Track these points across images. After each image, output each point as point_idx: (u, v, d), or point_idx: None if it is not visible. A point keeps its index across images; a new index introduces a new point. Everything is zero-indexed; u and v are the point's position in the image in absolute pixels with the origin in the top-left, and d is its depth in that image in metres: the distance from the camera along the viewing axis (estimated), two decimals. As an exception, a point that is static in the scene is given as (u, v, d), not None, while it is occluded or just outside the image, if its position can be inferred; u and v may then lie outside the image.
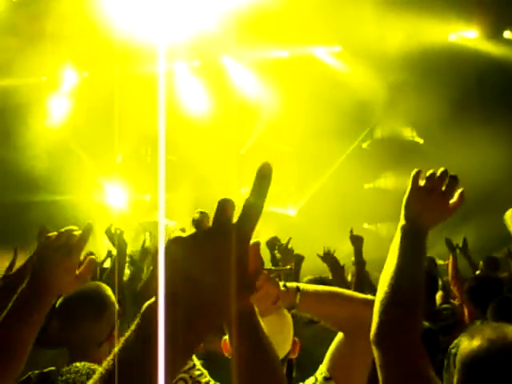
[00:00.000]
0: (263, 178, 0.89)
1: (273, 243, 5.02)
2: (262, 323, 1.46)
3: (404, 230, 1.64)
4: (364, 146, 14.78)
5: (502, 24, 12.61)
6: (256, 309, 1.27)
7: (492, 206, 11.71)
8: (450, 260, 5.44)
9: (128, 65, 11.36)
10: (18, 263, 3.95)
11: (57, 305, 2.33)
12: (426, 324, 3.00)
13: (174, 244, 0.82)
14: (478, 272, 5.59)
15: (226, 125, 13.22)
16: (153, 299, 0.81)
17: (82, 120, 12.32)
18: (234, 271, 0.80)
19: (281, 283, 1.82)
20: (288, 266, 5.19)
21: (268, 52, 13.37)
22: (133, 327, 0.81)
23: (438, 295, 4.88)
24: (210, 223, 0.82)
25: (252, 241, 0.85)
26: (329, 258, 4.80)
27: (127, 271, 5.33)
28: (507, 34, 12.80)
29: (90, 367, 1.96)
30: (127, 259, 6.28)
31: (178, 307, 0.77)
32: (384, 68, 11.77)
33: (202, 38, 11.80)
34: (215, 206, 0.83)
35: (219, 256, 0.80)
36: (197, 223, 0.84)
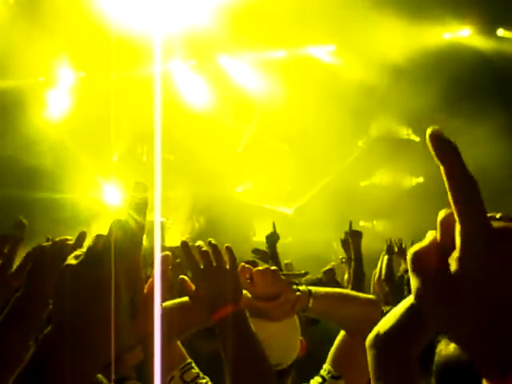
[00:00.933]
0: (137, 195, 0.90)
1: (273, 239, 4.99)
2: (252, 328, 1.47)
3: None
4: (360, 144, 14.80)
5: (496, 22, 12.65)
6: (270, 314, 1.27)
7: (489, 201, 11.77)
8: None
9: (124, 64, 11.33)
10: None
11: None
12: None
13: (64, 273, 0.81)
14: None
15: (222, 123, 13.21)
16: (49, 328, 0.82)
17: (78, 119, 12.30)
18: (124, 294, 0.78)
19: (293, 287, 1.84)
20: (303, 271, 5.23)
21: (263, 51, 13.36)
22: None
23: None
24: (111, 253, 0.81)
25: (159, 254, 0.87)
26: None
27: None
28: (500, 32, 12.85)
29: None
30: None
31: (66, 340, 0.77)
32: (378, 66, 11.78)
33: (197, 37, 11.78)
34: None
35: (105, 280, 0.78)
36: (90, 249, 0.83)
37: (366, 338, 1.74)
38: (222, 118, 13.20)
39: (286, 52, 13.64)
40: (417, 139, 14.76)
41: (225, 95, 13.48)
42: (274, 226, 5.08)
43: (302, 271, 4.81)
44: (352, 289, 4.30)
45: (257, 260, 5.64)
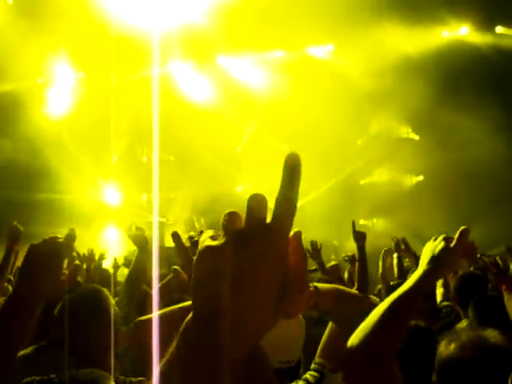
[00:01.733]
0: (292, 169, 0.82)
1: None
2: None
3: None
4: (359, 142, 14.80)
5: (494, 20, 12.68)
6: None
7: (484, 193, 11.81)
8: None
9: (124, 65, 11.33)
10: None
11: (55, 311, 2.31)
12: (422, 324, 2.94)
13: (206, 255, 0.74)
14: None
15: (221, 123, 13.21)
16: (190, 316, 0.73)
17: (77, 120, 12.29)
18: (277, 275, 0.73)
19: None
20: (314, 267, 5.25)
21: (262, 51, 13.37)
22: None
23: (439, 292, 4.84)
24: (242, 224, 0.76)
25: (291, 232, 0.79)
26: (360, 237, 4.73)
27: (125, 271, 5.32)
28: (499, 30, 12.88)
29: (94, 376, 1.93)
30: (123, 261, 6.27)
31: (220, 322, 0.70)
32: (377, 66, 11.78)
33: (197, 37, 11.79)
34: (246, 204, 0.77)
35: (258, 261, 0.73)
36: (226, 227, 0.76)
37: (354, 329, 1.76)
38: (222, 119, 13.19)
39: (284, 52, 13.65)
40: (416, 137, 14.78)
41: (224, 96, 13.48)
42: None
43: (314, 267, 4.81)
44: (357, 287, 4.30)
45: None
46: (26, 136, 11.69)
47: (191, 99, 13.49)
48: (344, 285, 4.40)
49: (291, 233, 0.79)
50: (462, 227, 1.84)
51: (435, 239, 1.81)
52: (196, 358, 0.69)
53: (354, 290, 2.04)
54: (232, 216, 0.77)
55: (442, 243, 1.80)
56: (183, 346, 0.71)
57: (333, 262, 5.65)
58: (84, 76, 13.37)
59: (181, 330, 0.73)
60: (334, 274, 5.16)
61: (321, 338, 2.21)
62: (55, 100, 13.09)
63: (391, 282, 5.12)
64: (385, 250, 5.64)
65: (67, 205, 11.66)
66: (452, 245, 1.80)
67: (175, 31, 11.05)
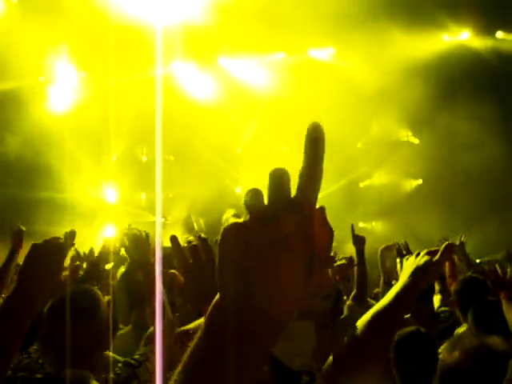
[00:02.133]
0: (315, 140, 0.80)
1: None
2: None
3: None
4: (359, 145, 14.80)
5: (495, 25, 12.71)
6: None
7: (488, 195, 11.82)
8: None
9: (125, 65, 11.34)
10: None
11: (45, 310, 2.30)
12: (423, 329, 2.93)
13: (231, 232, 0.72)
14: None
15: (222, 124, 13.21)
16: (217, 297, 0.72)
17: (78, 119, 12.29)
18: (304, 250, 0.70)
19: None
20: None
21: (263, 53, 13.39)
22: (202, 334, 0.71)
23: (437, 299, 4.82)
24: (265, 201, 0.74)
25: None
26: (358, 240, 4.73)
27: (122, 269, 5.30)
28: (499, 34, 12.92)
29: (78, 376, 1.93)
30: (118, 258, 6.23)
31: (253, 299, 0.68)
32: (378, 69, 11.80)
33: (198, 38, 11.80)
34: (268, 179, 0.75)
35: (285, 236, 0.70)
36: (250, 205, 0.74)
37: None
38: (222, 119, 13.20)
39: (285, 54, 13.66)
40: (416, 141, 14.78)
41: (225, 97, 13.49)
42: None
43: None
44: (357, 291, 4.29)
45: None
46: (26, 134, 11.70)
47: (192, 99, 13.50)
48: (348, 285, 4.41)
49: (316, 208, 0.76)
50: (446, 242, 1.94)
51: (417, 255, 1.89)
52: (219, 349, 0.67)
53: None
54: (254, 193, 0.75)
55: (426, 257, 1.86)
56: (207, 335, 0.69)
57: (340, 261, 5.59)
58: (85, 75, 13.38)
59: (207, 314, 0.71)
60: (340, 274, 5.09)
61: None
62: (56, 98, 13.09)
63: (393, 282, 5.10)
64: (381, 250, 5.57)
65: (67, 204, 11.66)
66: (435, 258, 1.87)
67: (177, 32, 11.06)
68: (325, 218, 0.77)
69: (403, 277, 1.82)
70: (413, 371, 2.69)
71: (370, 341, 1.69)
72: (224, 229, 0.72)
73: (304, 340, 2.03)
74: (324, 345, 2.01)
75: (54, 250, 1.68)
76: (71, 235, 1.76)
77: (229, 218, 0.75)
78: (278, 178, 0.75)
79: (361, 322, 1.73)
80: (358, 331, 1.70)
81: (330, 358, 1.79)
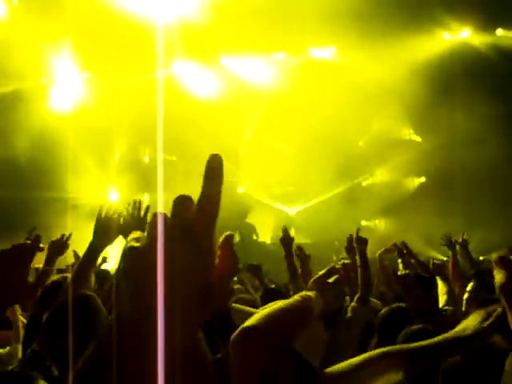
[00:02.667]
0: (213, 170, 0.80)
1: (288, 242, 4.96)
2: None
3: None
4: (361, 143, 14.78)
5: (495, 23, 12.71)
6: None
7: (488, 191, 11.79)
8: (450, 257, 5.38)
9: (128, 66, 11.37)
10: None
11: (43, 318, 2.28)
12: (430, 327, 2.91)
13: (127, 256, 0.74)
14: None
15: (224, 123, 13.21)
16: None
17: (80, 120, 12.30)
18: (197, 277, 0.71)
19: None
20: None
21: (265, 52, 13.38)
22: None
23: (442, 299, 4.78)
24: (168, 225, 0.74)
25: (223, 235, 0.76)
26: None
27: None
28: (499, 32, 12.92)
29: None
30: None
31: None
32: (379, 67, 11.79)
33: (200, 38, 11.80)
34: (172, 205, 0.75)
35: (179, 262, 0.71)
36: (150, 228, 0.75)
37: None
38: (224, 119, 13.20)
39: (287, 54, 13.66)
40: (418, 139, 14.76)
41: (226, 96, 13.48)
42: (285, 230, 5.08)
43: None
44: (361, 293, 4.27)
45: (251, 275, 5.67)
46: (28, 135, 11.72)
47: (194, 100, 13.49)
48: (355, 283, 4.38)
49: (222, 236, 0.76)
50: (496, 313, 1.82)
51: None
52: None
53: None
54: (180, 201, 0.76)
55: (490, 320, 1.78)
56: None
57: (346, 261, 5.56)
58: (88, 76, 13.38)
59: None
60: (346, 272, 5.07)
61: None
62: (59, 100, 13.10)
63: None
64: (379, 255, 5.48)
65: (70, 204, 11.67)
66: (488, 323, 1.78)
67: (178, 32, 11.06)
68: (231, 247, 0.77)
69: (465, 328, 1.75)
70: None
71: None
72: (122, 252, 0.74)
73: (312, 339, 2.03)
74: (331, 344, 2.01)
75: (18, 255, 1.67)
76: (37, 240, 1.74)
77: (130, 240, 0.75)
78: (179, 206, 0.75)
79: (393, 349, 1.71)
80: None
81: (341, 365, 1.79)
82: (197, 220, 0.74)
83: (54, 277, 3.31)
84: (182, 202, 0.76)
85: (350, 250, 5.01)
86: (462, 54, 12.56)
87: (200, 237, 0.73)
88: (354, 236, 4.61)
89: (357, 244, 4.62)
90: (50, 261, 3.78)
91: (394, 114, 13.47)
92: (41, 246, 1.71)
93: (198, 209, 0.75)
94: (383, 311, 3.70)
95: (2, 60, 10.62)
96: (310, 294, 1.67)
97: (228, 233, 0.78)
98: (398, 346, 1.85)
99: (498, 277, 1.59)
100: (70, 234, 4.03)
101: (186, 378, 0.70)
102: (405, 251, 5.54)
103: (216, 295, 0.72)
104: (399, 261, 5.48)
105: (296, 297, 1.63)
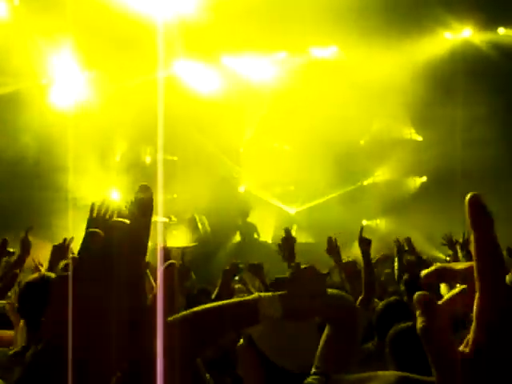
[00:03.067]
0: (141, 199, 0.77)
1: (289, 243, 4.91)
2: None
3: None
4: (362, 142, 14.76)
5: (497, 21, 12.71)
6: None
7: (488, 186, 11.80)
8: (451, 257, 5.37)
9: (128, 65, 11.36)
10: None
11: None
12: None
13: (56, 285, 0.71)
14: None
15: (224, 123, 13.21)
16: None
17: (81, 119, 12.30)
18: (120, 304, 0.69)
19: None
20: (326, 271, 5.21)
21: (265, 51, 13.38)
22: None
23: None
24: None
25: (165, 264, 0.74)
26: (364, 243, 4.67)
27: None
28: (501, 31, 12.92)
29: None
30: None
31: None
32: (380, 67, 11.77)
33: (200, 38, 11.80)
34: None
35: (102, 289, 0.68)
36: (72, 262, 0.72)
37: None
38: (225, 119, 13.19)
39: (288, 53, 13.65)
40: (419, 138, 14.74)
41: (227, 96, 13.48)
42: (287, 231, 5.05)
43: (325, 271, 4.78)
44: (364, 295, 4.26)
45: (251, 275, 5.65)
46: (28, 135, 11.72)
47: (195, 100, 13.49)
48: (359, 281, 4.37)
49: (165, 264, 0.74)
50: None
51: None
52: None
53: None
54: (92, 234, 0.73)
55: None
56: None
57: (349, 259, 5.57)
58: (89, 75, 13.38)
59: None
60: (349, 270, 5.08)
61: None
62: (60, 99, 13.10)
63: (389, 288, 5.08)
64: (377, 260, 5.44)
65: (71, 204, 11.67)
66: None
67: (179, 32, 11.06)
68: (170, 279, 0.75)
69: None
70: (410, 366, 2.66)
71: None
72: (53, 280, 0.73)
73: (306, 340, 2.01)
74: (326, 345, 1.98)
75: None
76: (3, 244, 1.75)
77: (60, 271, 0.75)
78: (89, 236, 0.73)
79: None
80: None
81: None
82: (117, 248, 0.71)
83: (31, 276, 3.28)
84: (91, 235, 0.73)
85: (330, 251, 5.01)
86: (464, 53, 12.56)
87: (118, 269, 0.70)
88: (358, 236, 4.60)
89: (360, 244, 4.58)
90: (53, 265, 3.78)
91: (395, 113, 13.45)
92: (10, 250, 1.71)
93: (123, 239, 0.72)
94: (380, 305, 3.67)
95: (4, 60, 10.63)
96: (263, 295, 1.60)
97: (170, 262, 0.75)
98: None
99: (419, 321, 1.51)
100: (72, 238, 4.03)
101: None
102: (406, 248, 5.52)
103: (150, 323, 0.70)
104: (396, 259, 5.45)
105: (242, 298, 1.59)
